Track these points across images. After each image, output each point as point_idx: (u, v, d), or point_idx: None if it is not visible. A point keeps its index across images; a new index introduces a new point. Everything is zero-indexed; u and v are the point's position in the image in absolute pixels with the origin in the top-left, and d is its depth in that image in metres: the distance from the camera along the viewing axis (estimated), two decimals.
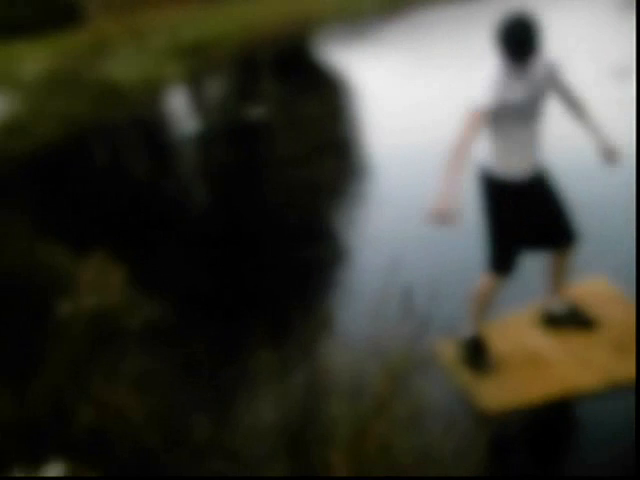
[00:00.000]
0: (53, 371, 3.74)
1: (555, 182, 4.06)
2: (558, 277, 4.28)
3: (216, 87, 16.40)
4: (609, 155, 3.98)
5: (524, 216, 3.99)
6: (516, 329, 4.43)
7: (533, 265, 4.31)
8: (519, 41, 3.60)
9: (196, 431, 3.37)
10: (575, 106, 3.99)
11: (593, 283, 4.72)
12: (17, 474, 2.97)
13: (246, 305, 5.02)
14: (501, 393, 3.87)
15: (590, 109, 3.99)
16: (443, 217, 3.40)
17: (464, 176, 3.61)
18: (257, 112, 11.40)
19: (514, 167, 3.91)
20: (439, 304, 3.45)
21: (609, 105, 9.88)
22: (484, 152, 3.98)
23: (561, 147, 6.87)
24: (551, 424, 3.72)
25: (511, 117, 3.78)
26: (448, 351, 4.18)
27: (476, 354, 4.17)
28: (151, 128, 12.27)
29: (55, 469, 2.98)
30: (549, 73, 3.83)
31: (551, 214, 4.05)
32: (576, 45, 14.84)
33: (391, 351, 3.48)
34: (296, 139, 9.97)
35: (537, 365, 4.07)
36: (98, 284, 4.74)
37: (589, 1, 24.77)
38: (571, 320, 4.33)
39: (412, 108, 11.07)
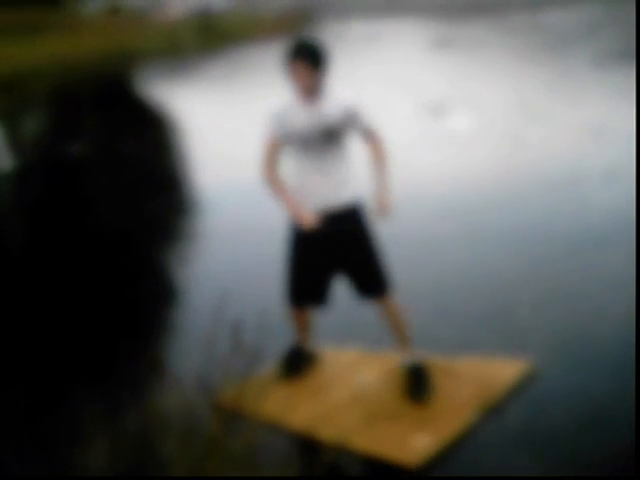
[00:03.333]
0: None
1: (368, 227, 4.01)
2: (395, 330, 4.12)
3: (33, 123, 15.82)
4: (380, 209, 3.94)
5: (319, 255, 3.99)
6: (349, 361, 4.48)
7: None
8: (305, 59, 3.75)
9: None
10: (373, 151, 4.01)
11: (496, 362, 4.33)
12: None
13: (72, 347, 4.81)
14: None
15: (386, 158, 4.00)
16: (307, 221, 3.90)
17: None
18: (78, 149, 11.08)
19: (311, 204, 3.95)
20: (269, 337, 3.45)
21: (426, 140, 10.38)
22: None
23: None
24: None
25: (299, 147, 3.88)
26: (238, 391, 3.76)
27: (294, 361, 4.29)
28: None
29: None
30: (347, 113, 3.84)
31: (352, 258, 4.00)
32: (392, 83, 15.49)
33: (222, 388, 3.45)
34: (120, 176, 9.77)
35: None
36: None
37: (404, 42, 25.98)
38: (408, 380, 4.08)
39: (237, 142, 11.13)
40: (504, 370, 4.21)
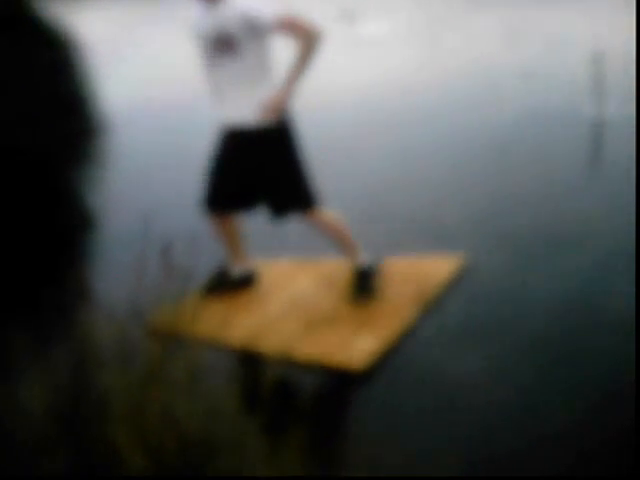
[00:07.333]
0: None
1: (283, 148, 3.83)
2: (334, 240, 4.09)
3: None
4: (267, 110, 3.70)
5: (229, 165, 3.89)
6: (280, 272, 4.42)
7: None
8: None
9: None
10: (298, 46, 3.65)
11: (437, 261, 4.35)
12: None
13: None
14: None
15: (309, 55, 3.64)
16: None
17: None
18: None
19: (223, 113, 3.82)
20: (199, 256, 3.33)
21: (339, 46, 10.18)
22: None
23: None
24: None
25: (206, 55, 3.74)
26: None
27: (216, 285, 4.20)
28: None
29: None
30: (244, 19, 3.56)
31: (264, 180, 3.88)
32: None
33: (155, 312, 3.34)
34: (21, 97, 9.33)
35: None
36: None
37: None
38: (353, 282, 4.08)
39: (141, 59, 10.81)
40: (439, 267, 4.24)
